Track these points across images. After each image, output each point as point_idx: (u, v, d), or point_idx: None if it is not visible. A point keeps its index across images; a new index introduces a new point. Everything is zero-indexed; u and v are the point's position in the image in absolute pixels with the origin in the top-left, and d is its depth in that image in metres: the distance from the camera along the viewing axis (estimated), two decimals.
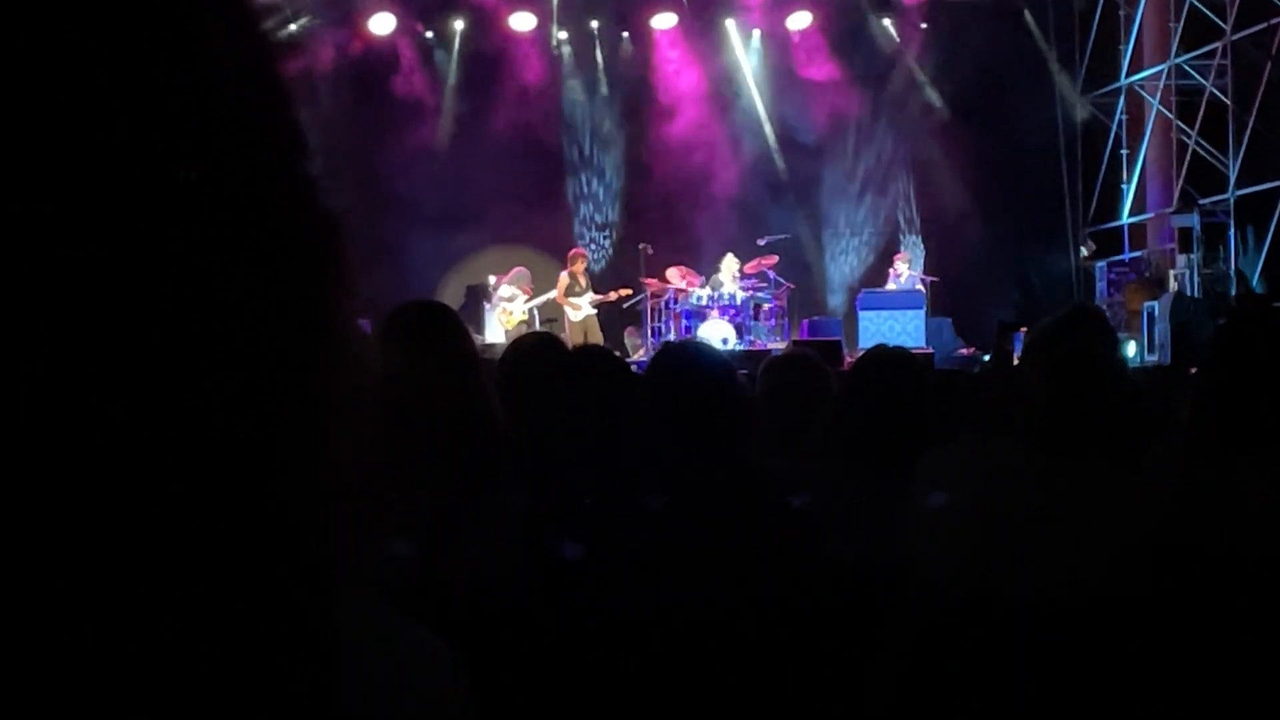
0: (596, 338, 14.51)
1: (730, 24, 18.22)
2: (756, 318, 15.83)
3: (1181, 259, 16.12)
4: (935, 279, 16.71)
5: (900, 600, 2.97)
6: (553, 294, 15.59)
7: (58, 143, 0.53)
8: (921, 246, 18.17)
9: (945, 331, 16.09)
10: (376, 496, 2.58)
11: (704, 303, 15.55)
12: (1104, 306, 15.44)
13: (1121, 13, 18.13)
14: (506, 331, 15.02)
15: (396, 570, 2.62)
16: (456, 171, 16.93)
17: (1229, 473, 2.93)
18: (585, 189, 18.45)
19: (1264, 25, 14.99)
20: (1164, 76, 17.17)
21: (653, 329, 16.17)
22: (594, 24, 17.99)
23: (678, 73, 18.09)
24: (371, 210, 16.77)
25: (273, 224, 0.59)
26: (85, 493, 0.53)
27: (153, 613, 0.54)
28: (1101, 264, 17.71)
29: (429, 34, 17.70)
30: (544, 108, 17.90)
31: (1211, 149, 16.26)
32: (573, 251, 16.07)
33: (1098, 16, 18.18)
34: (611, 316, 16.28)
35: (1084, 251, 18.36)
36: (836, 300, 18.14)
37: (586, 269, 15.77)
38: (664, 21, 17.96)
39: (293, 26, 14.44)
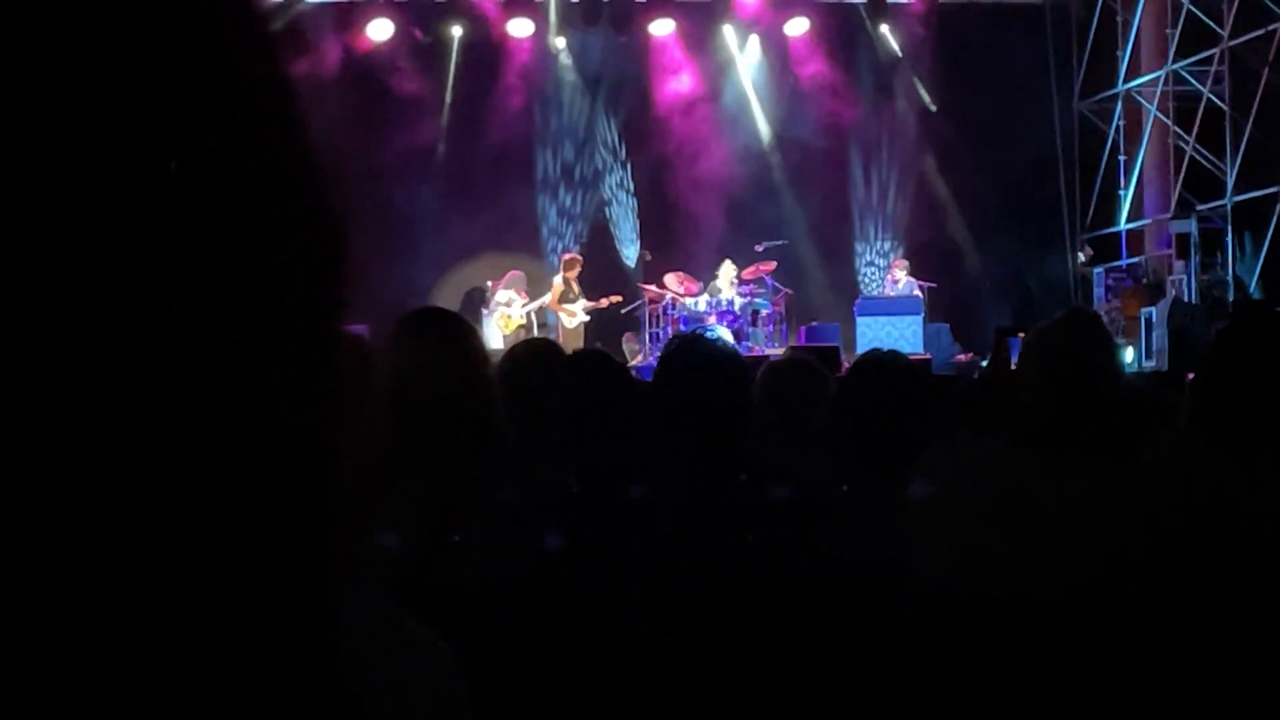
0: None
1: (728, 30, 18.22)
2: (755, 324, 15.83)
3: (1179, 265, 16.14)
4: (933, 285, 16.72)
5: (898, 599, 2.97)
6: (547, 298, 15.59)
7: (48, 134, 0.52)
8: (919, 253, 18.18)
9: (943, 337, 16.10)
10: (380, 495, 2.60)
11: (702, 309, 15.55)
12: (1102, 312, 15.44)
13: (1119, 19, 18.14)
14: (505, 337, 14.98)
15: (391, 565, 2.64)
16: (451, 177, 16.94)
17: (1225, 473, 2.94)
18: (581, 195, 18.43)
19: (1261, 31, 15.02)
20: (1161, 83, 17.20)
21: (651, 335, 16.17)
22: (592, 30, 17.99)
23: (676, 79, 18.10)
24: (367, 215, 16.71)
25: (275, 217, 0.59)
26: (77, 489, 0.52)
27: (148, 611, 0.54)
28: (1099, 270, 17.71)
29: (427, 40, 17.70)
30: (541, 114, 17.90)
31: (1209, 155, 16.27)
32: (567, 256, 16.07)
33: (1095, 23, 18.20)
34: (610, 322, 16.28)
35: (1082, 257, 18.37)
36: (835, 306, 18.14)
37: (579, 275, 15.78)
38: (662, 28, 17.97)
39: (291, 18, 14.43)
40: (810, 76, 18.11)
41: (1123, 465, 3.01)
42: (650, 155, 18.02)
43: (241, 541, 0.57)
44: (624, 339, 16.66)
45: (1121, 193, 18.30)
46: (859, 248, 18.80)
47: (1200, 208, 16.05)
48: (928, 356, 14.16)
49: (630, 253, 18.02)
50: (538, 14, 17.71)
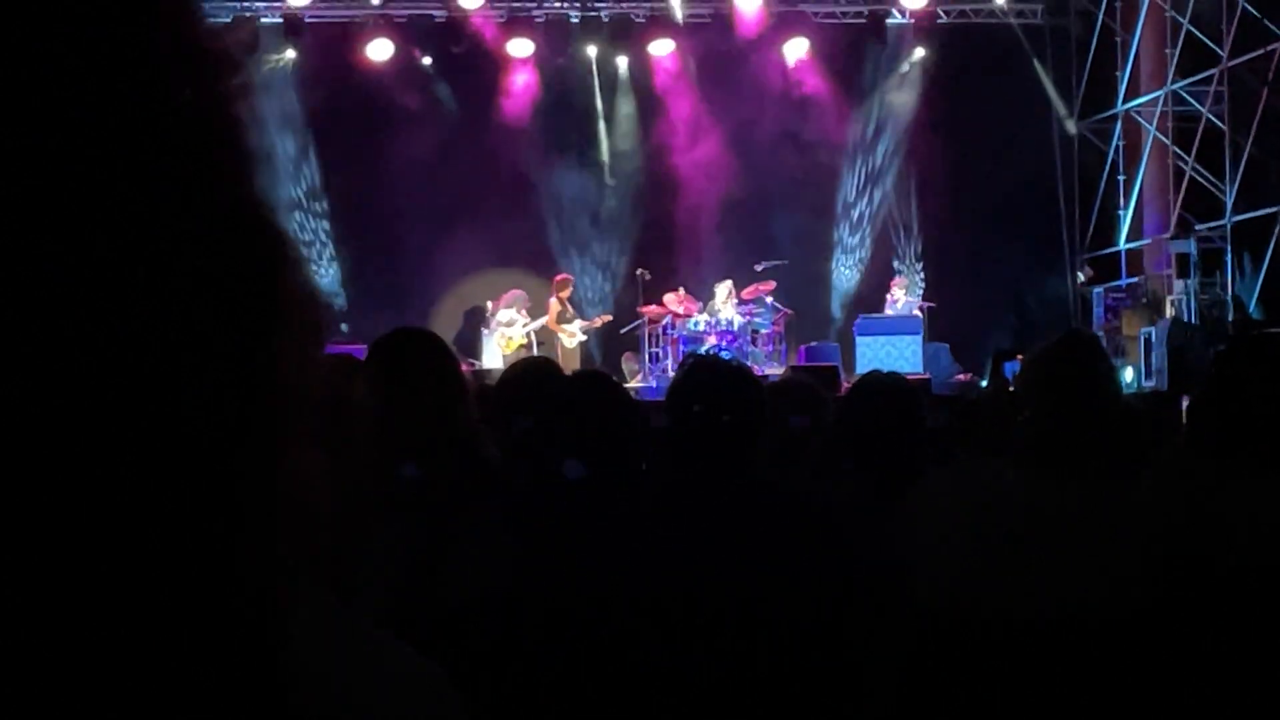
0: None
1: (727, 50, 18.26)
2: (754, 343, 15.83)
3: (1179, 285, 16.13)
4: (932, 305, 16.74)
5: (897, 617, 2.97)
6: (544, 320, 15.59)
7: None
8: (919, 272, 18.19)
9: (942, 357, 16.11)
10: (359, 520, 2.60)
11: (701, 328, 15.55)
12: (1101, 332, 15.45)
13: (1118, 39, 18.19)
14: (505, 356, 14.96)
15: (385, 583, 2.64)
16: (451, 195, 16.95)
17: (1224, 492, 2.94)
18: (580, 214, 18.43)
19: (1260, 52, 15.04)
20: (1161, 103, 17.23)
21: (650, 355, 16.17)
22: (591, 50, 18.04)
23: (675, 98, 18.14)
24: (368, 233, 16.83)
25: (213, 241, 0.59)
26: (28, 497, 0.52)
27: (97, 618, 0.54)
28: (1099, 289, 17.72)
29: (427, 60, 17.74)
30: (540, 133, 17.93)
31: (1208, 175, 16.29)
32: (559, 277, 16.08)
33: (1095, 43, 18.25)
34: (609, 342, 16.28)
35: (1081, 277, 18.39)
36: (834, 326, 18.15)
37: (571, 296, 15.79)
38: (661, 48, 18.02)
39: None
40: (810, 95, 18.15)
41: (1122, 485, 3.01)
42: (650, 174, 18.05)
43: (182, 556, 0.56)
44: (623, 359, 16.66)
45: (1121, 212, 18.32)
46: (857, 267, 18.80)
47: (1200, 227, 16.07)
48: (927, 376, 14.16)
49: (619, 271, 18.03)
50: (537, 34, 17.76)
